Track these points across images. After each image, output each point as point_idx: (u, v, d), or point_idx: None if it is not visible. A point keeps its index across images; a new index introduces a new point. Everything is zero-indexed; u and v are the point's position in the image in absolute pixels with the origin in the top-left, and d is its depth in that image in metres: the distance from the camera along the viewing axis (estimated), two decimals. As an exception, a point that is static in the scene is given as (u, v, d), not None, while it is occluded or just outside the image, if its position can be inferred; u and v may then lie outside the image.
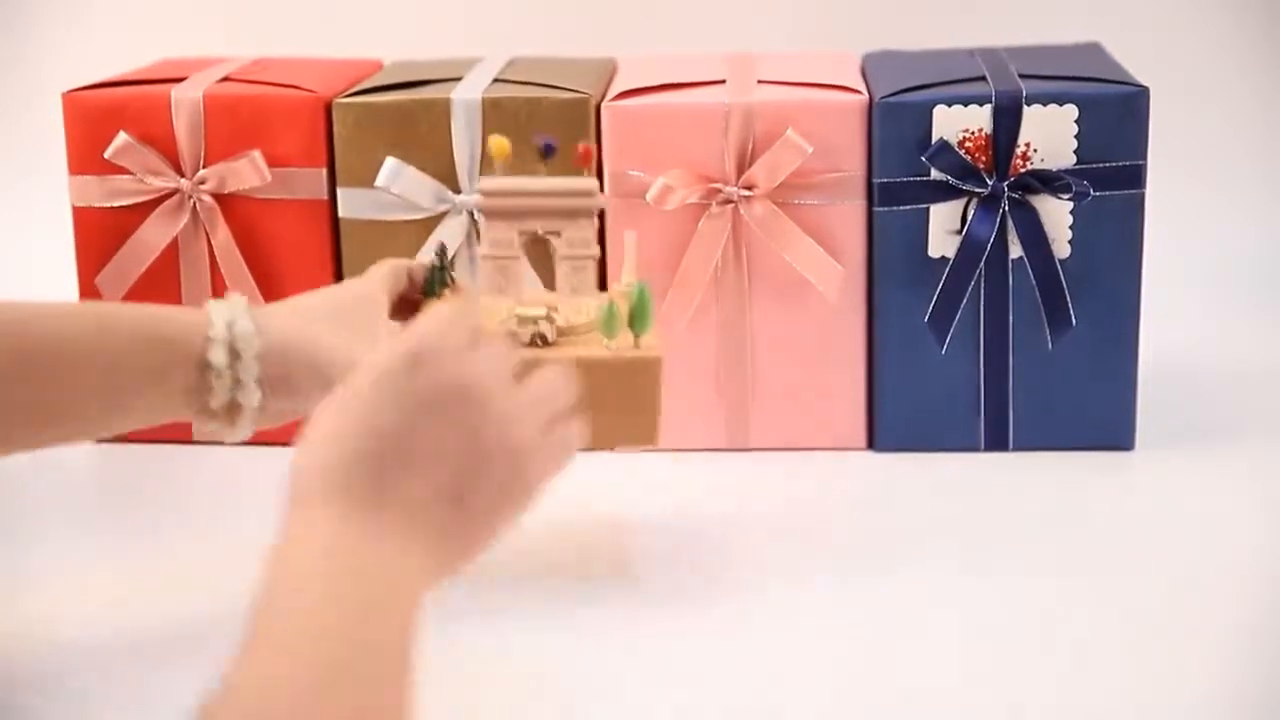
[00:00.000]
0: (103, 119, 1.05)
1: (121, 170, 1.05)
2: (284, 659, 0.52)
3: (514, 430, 0.65)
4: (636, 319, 0.84)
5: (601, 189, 0.86)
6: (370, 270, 0.88)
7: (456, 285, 0.89)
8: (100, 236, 1.06)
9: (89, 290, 1.06)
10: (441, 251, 0.90)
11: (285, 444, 1.05)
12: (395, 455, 0.60)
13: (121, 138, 1.04)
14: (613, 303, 0.84)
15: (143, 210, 1.05)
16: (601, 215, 0.89)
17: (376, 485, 0.60)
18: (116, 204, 1.05)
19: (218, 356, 0.78)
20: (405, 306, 0.88)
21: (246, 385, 0.78)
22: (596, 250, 0.85)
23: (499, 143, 0.84)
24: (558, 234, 0.84)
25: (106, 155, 1.04)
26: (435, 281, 0.88)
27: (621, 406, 0.83)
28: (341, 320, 0.82)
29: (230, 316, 0.79)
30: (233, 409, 0.79)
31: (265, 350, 0.79)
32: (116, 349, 0.77)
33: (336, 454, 0.60)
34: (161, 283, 1.06)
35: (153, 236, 1.05)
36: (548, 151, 0.84)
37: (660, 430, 0.86)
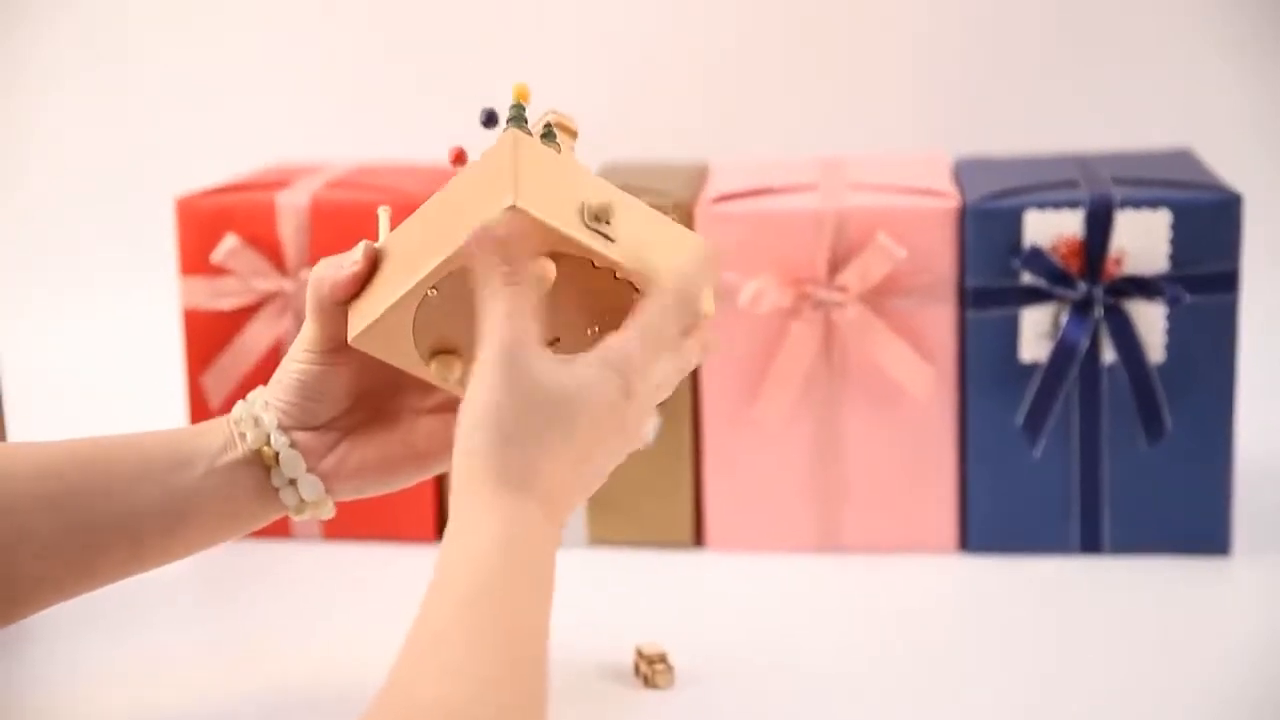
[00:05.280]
0: (212, 223, 1.08)
1: (229, 273, 1.08)
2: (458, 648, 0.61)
3: (632, 412, 0.71)
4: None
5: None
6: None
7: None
8: (208, 337, 1.09)
9: (196, 390, 1.09)
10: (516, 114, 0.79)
11: (369, 539, 1.08)
12: (530, 438, 0.67)
13: (229, 240, 1.07)
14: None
15: (249, 312, 1.08)
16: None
17: (523, 467, 0.67)
18: (223, 305, 1.08)
19: (237, 412, 0.80)
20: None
21: (269, 426, 0.79)
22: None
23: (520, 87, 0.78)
24: None
25: (214, 258, 1.07)
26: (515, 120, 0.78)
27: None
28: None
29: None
30: (273, 459, 0.79)
31: (271, 394, 0.81)
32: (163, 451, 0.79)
33: (484, 440, 0.67)
34: (265, 383, 1.08)
35: (257, 337, 1.08)
36: (489, 122, 0.79)
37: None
